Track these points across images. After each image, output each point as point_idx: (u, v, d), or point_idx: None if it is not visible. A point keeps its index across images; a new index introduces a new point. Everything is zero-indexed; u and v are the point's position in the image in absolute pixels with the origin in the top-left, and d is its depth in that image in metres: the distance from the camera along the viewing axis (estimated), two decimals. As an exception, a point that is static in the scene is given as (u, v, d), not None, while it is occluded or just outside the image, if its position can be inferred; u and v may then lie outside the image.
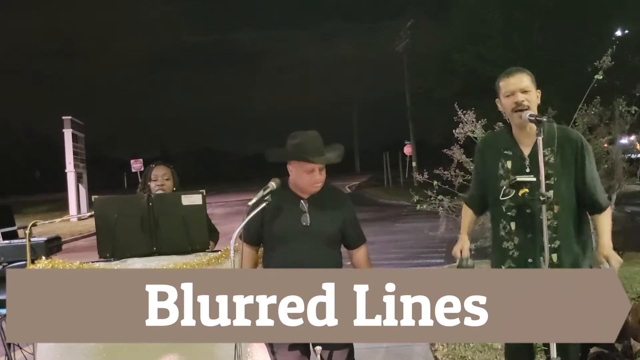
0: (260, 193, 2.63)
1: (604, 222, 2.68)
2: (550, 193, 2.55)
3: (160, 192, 3.58)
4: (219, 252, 3.05)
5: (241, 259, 2.68)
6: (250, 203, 2.64)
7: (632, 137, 7.31)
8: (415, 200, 6.50)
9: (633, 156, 7.84)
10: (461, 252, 2.77)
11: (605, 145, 6.74)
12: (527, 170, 2.65)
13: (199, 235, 3.06)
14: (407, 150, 31.86)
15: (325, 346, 2.71)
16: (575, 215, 2.67)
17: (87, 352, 2.87)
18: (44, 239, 3.26)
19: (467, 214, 2.97)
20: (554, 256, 2.58)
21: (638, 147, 6.83)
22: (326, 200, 2.79)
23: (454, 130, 6.03)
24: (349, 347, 2.85)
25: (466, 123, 5.98)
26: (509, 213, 2.70)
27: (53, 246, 3.34)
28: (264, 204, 2.62)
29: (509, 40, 20.81)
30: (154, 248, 3.00)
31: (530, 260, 2.66)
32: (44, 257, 2.98)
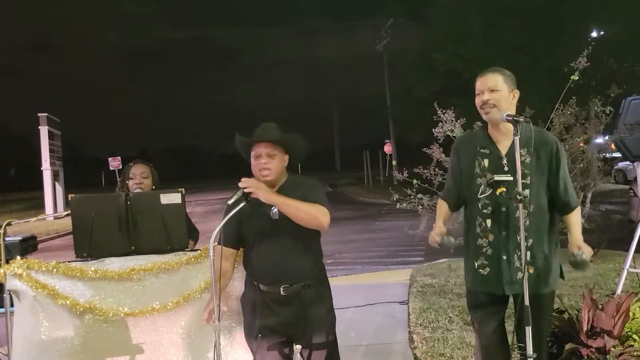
0: (240, 192, 2.58)
1: (574, 218, 2.77)
2: (527, 192, 2.59)
3: (138, 190, 3.54)
4: (198, 252, 3.03)
5: (220, 262, 2.63)
6: (229, 202, 2.59)
7: (607, 137, 7.44)
8: (395, 199, 6.55)
9: (608, 155, 7.98)
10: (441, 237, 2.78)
11: (581, 144, 6.86)
12: (505, 169, 2.69)
13: (177, 235, 3.03)
14: (387, 148, 32.00)
15: (305, 345, 2.71)
16: (547, 214, 2.73)
17: (62, 352, 2.83)
18: (19, 238, 3.20)
19: (442, 208, 3.00)
20: (527, 254, 2.62)
21: (613, 146, 6.96)
22: (294, 191, 2.70)
23: (433, 130, 6.09)
24: (331, 346, 2.82)
25: (445, 122, 6.04)
26: (484, 211, 2.73)
27: (28, 246, 3.29)
28: (242, 204, 2.57)
29: (488, 40, 21.04)
30: (132, 247, 2.97)
31: (504, 257, 2.70)
32: (18, 257, 2.93)
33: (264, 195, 2.55)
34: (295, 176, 2.83)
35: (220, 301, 2.56)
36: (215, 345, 2.48)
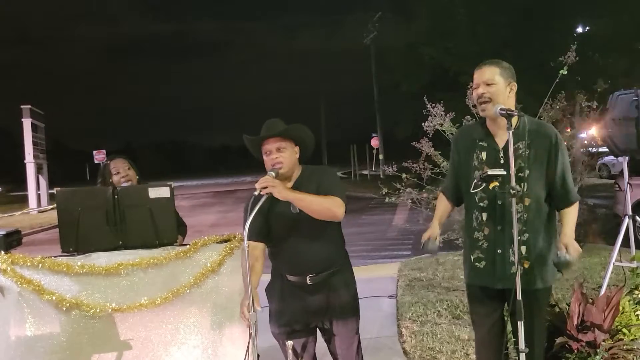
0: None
1: (571, 214, 2.74)
2: (521, 186, 2.58)
3: (127, 184, 3.48)
4: (187, 246, 2.99)
5: (247, 258, 2.55)
6: (255, 193, 2.59)
7: (593, 132, 7.51)
8: (383, 193, 6.55)
9: (593, 150, 8.05)
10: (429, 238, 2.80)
11: (568, 139, 6.91)
12: (501, 162, 2.68)
13: (166, 229, 2.98)
14: (374, 143, 32.05)
15: (330, 331, 2.85)
16: (545, 209, 2.71)
17: (48, 349, 2.78)
18: (3, 232, 3.13)
19: (441, 203, 3.00)
20: (523, 249, 2.62)
21: (598, 141, 7.04)
22: (310, 182, 2.77)
23: (423, 124, 6.08)
24: (354, 332, 2.91)
25: (435, 116, 6.03)
26: (480, 204, 2.73)
27: (12, 240, 3.22)
28: (267, 195, 2.58)
29: (475, 34, 21.08)
30: (120, 242, 2.92)
31: (499, 251, 2.69)
32: (2, 252, 2.86)
33: (280, 192, 2.60)
34: (308, 166, 2.91)
35: (252, 298, 2.53)
36: (250, 336, 2.53)
